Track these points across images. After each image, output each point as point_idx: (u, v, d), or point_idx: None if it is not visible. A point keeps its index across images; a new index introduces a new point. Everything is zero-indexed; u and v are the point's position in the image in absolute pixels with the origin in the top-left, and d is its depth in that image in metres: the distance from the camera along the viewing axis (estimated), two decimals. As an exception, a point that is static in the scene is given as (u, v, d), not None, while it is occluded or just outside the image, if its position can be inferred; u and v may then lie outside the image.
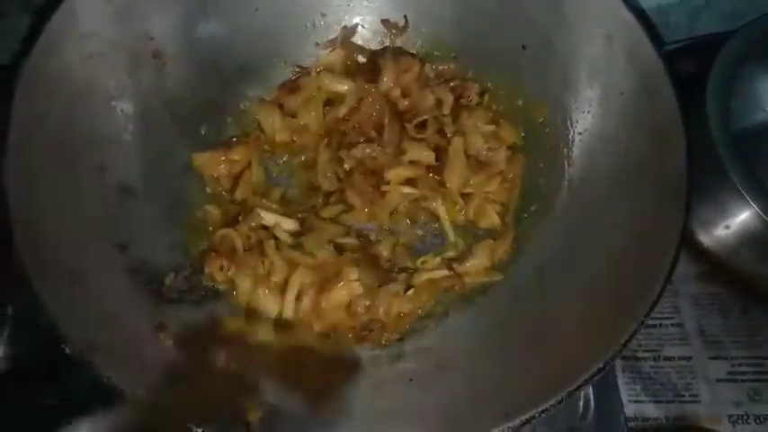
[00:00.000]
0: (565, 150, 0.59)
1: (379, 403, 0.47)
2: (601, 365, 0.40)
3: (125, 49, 0.54)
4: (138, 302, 0.48)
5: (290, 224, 0.56)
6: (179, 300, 0.51)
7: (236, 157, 0.59)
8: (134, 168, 0.54)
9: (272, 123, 0.61)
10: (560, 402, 0.40)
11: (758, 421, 0.61)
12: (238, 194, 0.59)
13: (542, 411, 0.40)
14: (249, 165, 0.60)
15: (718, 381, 0.62)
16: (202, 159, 0.59)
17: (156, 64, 0.56)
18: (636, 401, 0.61)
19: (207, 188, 0.60)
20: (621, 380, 0.62)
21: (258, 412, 0.44)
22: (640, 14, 0.52)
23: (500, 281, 0.57)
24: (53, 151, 0.49)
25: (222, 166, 0.59)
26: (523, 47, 0.60)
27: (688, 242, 0.67)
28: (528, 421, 0.40)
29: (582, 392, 0.56)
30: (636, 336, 0.42)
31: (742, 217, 0.60)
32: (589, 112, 0.57)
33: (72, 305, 0.43)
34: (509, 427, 0.41)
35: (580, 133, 0.58)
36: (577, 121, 0.58)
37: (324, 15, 0.64)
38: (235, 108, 0.63)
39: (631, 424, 0.60)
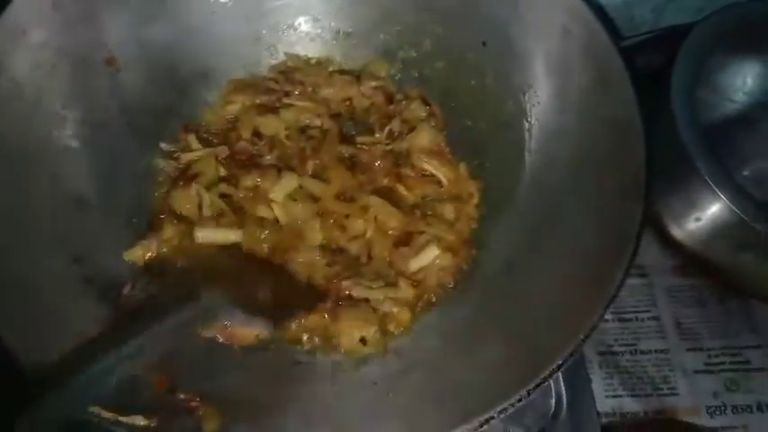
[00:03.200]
0: (526, 144, 0.59)
1: (342, 409, 0.47)
2: (559, 362, 0.40)
3: (77, 57, 0.53)
4: (95, 314, 0.47)
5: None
6: (137, 309, 0.50)
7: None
8: (89, 178, 0.53)
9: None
10: (519, 401, 0.39)
11: (735, 411, 0.61)
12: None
13: (501, 411, 0.39)
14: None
15: (696, 372, 0.63)
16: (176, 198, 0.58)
17: (109, 71, 0.55)
18: (613, 396, 0.61)
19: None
20: (599, 375, 0.62)
21: (216, 422, 0.43)
22: (597, 8, 0.52)
23: (467, 277, 0.57)
24: (3, 164, 0.48)
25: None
26: (484, 43, 0.60)
27: (661, 235, 0.67)
28: (488, 421, 0.39)
29: (553, 390, 0.55)
30: (596, 328, 0.42)
31: (712, 209, 0.60)
32: (549, 105, 0.57)
33: (22, 319, 0.42)
34: (479, 421, 0.41)
35: (542, 127, 0.58)
36: (538, 115, 0.58)
37: (281, 19, 0.64)
38: (194, 114, 0.62)
39: (609, 419, 0.60)
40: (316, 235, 0.56)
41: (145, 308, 0.50)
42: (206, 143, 0.61)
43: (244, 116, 0.62)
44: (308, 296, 0.55)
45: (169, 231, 0.55)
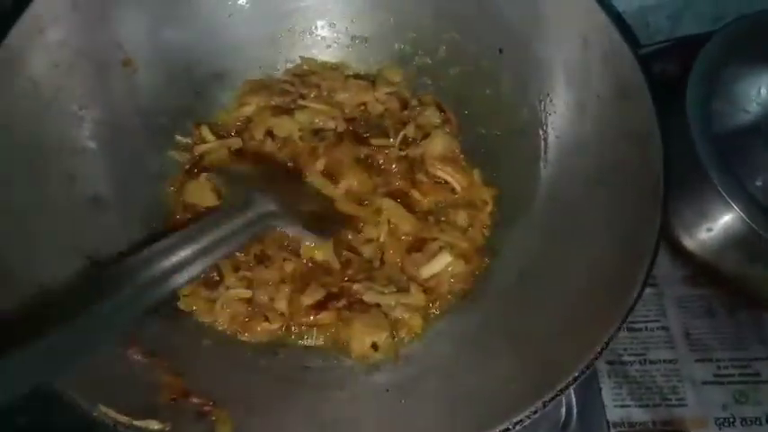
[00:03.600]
0: (542, 153, 0.58)
1: (354, 416, 0.47)
2: (576, 374, 0.40)
3: (94, 57, 0.53)
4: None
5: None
6: (150, 312, 0.49)
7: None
8: (105, 178, 0.53)
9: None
10: (535, 413, 0.39)
11: (744, 424, 0.60)
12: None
13: (516, 423, 0.39)
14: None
15: (705, 383, 0.62)
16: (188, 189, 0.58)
17: (126, 72, 0.56)
18: (622, 406, 0.61)
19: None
20: (607, 384, 0.61)
21: (228, 426, 0.43)
22: (616, 17, 0.52)
23: (480, 285, 0.57)
24: (20, 163, 0.48)
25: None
26: (500, 50, 0.60)
27: (672, 245, 0.67)
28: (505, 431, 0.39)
29: (564, 400, 0.55)
30: (612, 342, 0.41)
31: (724, 219, 0.59)
32: (566, 115, 0.57)
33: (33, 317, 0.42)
34: None
35: (558, 136, 0.58)
36: (554, 124, 0.58)
37: (298, 22, 0.64)
38: (209, 115, 0.62)
39: (618, 429, 0.59)
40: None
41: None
42: (219, 137, 0.61)
43: (257, 117, 0.62)
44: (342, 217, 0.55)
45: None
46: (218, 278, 0.55)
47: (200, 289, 0.54)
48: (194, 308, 0.53)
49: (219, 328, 0.53)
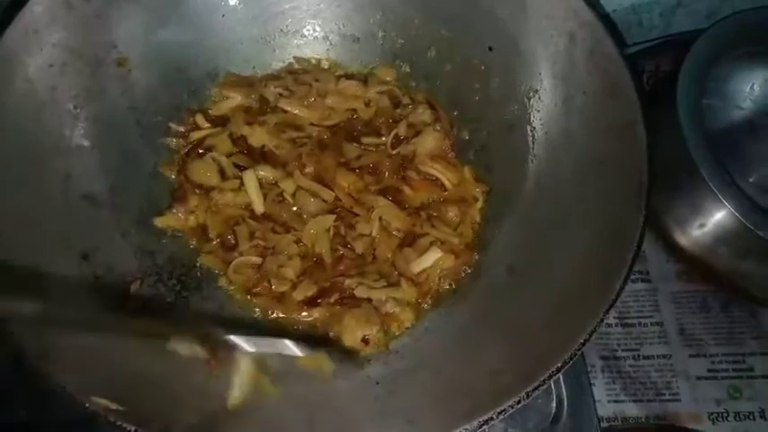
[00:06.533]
0: (530, 149, 0.59)
1: (344, 409, 0.47)
2: (559, 365, 0.40)
3: (88, 57, 0.54)
4: (101, 310, 0.47)
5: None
6: (144, 307, 0.50)
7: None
8: (99, 176, 0.54)
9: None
10: (518, 403, 0.39)
11: (738, 418, 0.61)
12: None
13: (500, 412, 0.40)
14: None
15: (698, 378, 0.63)
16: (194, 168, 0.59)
17: (120, 72, 0.56)
18: (616, 401, 0.61)
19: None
20: (601, 379, 0.62)
21: None
22: (603, 15, 0.53)
23: (469, 280, 0.57)
24: (15, 162, 0.49)
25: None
26: (490, 48, 0.60)
27: (666, 241, 0.67)
28: (488, 421, 0.40)
29: (555, 393, 0.56)
30: (595, 333, 0.42)
31: (716, 216, 0.60)
32: (554, 110, 0.57)
33: (29, 314, 0.42)
34: (478, 422, 0.41)
35: (546, 132, 0.58)
36: (542, 120, 0.58)
37: (290, 22, 0.65)
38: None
39: (611, 424, 0.60)
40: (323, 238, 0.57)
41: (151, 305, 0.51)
42: (214, 125, 0.62)
43: (233, 119, 0.62)
44: None
45: (194, 201, 0.57)
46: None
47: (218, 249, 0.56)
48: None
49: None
